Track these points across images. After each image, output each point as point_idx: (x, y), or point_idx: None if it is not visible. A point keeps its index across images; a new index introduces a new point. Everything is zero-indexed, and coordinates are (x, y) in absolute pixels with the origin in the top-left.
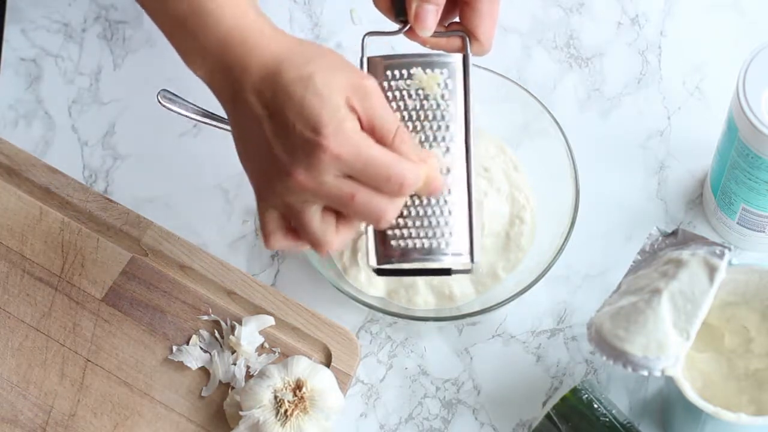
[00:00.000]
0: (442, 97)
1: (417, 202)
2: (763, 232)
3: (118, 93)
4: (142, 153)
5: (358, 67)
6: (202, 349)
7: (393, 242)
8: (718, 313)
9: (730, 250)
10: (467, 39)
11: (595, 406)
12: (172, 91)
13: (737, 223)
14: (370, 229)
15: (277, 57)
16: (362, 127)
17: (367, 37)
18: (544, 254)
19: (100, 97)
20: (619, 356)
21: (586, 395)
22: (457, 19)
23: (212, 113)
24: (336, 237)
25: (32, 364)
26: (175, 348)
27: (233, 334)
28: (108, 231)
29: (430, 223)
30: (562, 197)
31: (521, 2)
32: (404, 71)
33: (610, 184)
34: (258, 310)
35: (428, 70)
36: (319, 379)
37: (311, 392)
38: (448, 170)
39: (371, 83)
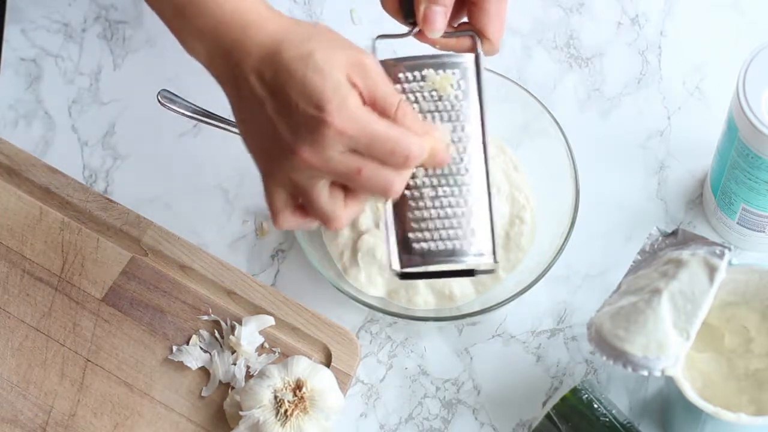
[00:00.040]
0: (456, 97)
1: (437, 204)
2: (763, 232)
3: (118, 93)
4: (142, 153)
5: None
6: (202, 349)
7: (415, 245)
8: (718, 313)
9: (730, 250)
10: (477, 38)
11: (595, 406)
12: (172, 91)
13: (737, 223)
14: (392, 233)
15: (275, 37)
16: (364, 103)
17: (377, 40)
18: (544, 254)
19: (100, 97)
20: (619, 356)
21: (586, 395)
22: (465, 20)
23: (212, 113)
24: (344, 211)
25: (32, 364)
26: (175, 348)
27: (233, 334)
28: (108, 231)
29: (451, 224)
30: (562, 197)
31: (521, 2)
32: (416, 73)
33: (610, 184)
34: (258, 310)
35: (440, 71)
36: (319, 379)
37: (311, 392)
38: (461, 145)
39: (371, 59)
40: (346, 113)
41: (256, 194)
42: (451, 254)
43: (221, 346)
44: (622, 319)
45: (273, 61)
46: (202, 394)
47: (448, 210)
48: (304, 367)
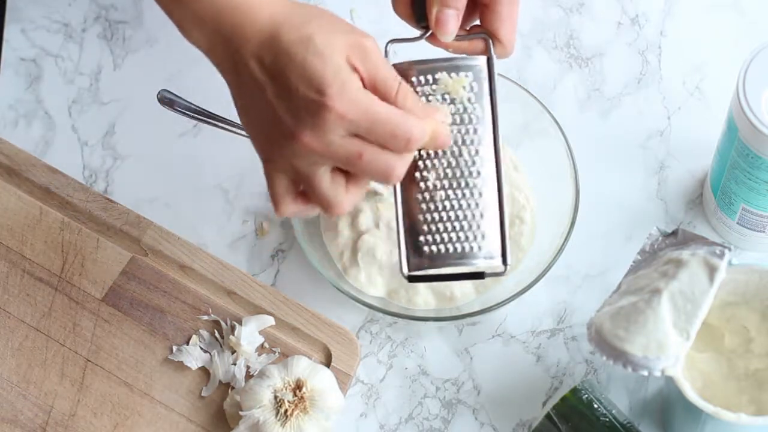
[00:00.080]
0: (469, 100)
1: (448, 206)
2: (763, 232)
3: (118, 93)
4: (142, 153)
5: None
6: (202, 349)
7: (425, 248)
8: (718, 313)
9: (730, 250)
10: (490, 41)
11: (595, 406)
12: (172, 91)
13: (737, 223)
14: (402, 236)
15: (274, 20)
16: (364, 86)
17: (390, 44)
18: (544, 254)
19: (100, 97)
20: (619, 356)
21: (586, 395)
22: (477, 22)
23: (212, 113)
24: (346, 197)
25: (32, 364)
26: (175, 348)
27: (233, 334)
28: (108, 231)
29: (462, 226)
30: (562, 197)
31: (521, 2)
32: (429, 76)
33: (610, 184)
34: (258, 310)
35: (453, 74)
36: (319, 379)
37: (311, 392)
38: (473, 148)
39: (370, 42)
40: (347, 97)
41: (256, 194)
42: (460, 257)
43: (221, 346)
44: (622, 319)
45: (272, 45)
46: (202, 394)
47: (459, 212)
48: (304, 367)
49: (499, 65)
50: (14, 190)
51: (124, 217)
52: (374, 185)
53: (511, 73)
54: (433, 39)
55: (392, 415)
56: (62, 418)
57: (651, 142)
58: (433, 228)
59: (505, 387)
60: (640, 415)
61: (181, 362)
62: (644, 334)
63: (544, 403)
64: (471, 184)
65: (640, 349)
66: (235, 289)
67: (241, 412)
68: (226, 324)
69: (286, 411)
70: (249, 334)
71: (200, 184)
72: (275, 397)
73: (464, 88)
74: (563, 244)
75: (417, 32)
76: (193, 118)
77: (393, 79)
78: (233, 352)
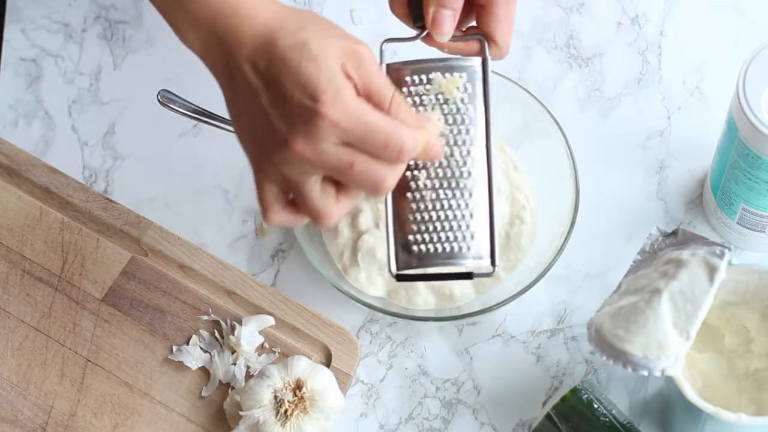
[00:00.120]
0: (462, 101)
1: (438, 206)
2: (763, 232)
3: (118, 93)
4: (142, 153)
5: None
6: (202, 349)
7: (414, 247)
8: (718, 313)
9: (730, 250)
10: (485, 42)
11: (595, 406)
12: (172, 91)
13: (737, 223)
14: (391, 235)
15: (269, 25)
16: (358, 94)
17: (385, 44)
18: (544, 254)
19: (100, 97)
20: (619, 356)
21: (586, 395)
22: (473, 23)
23: (212, 113)
24: (336, 207)
25: (32, 364)
26: (175, 348)
27: (233, 334)
28: (108, 231)
29: (451, 226)
30: (562, 197)
31: (521, 3)
32: (423, 76)
33: (610, 184)
34: (258, 310)
35: (447, 75)
36: (319, 379)
37: (311, 392)
38: (465, 148)
39: (365, 49)
40: (341, 105)
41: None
42: (449, 257)
43: (221, 346)
44: (622, 319)
45: (267, 51)
46: (202, 394)
47: (448, 212)
48: (304, 367)
49: (499, 65)
50: (14, 190)
51: (124, 217)
52: None
53: (511, 73)
54: (428, 39)
55: (392, 415)
56: (62, 418)
57: (651, 142)
58: (423, 227)
59: (505, 387)
60: (640, 415)
61: (181, 362)
62: (644, 334)
63: (544, 403)
64: (461, 185)
65: (640, 349)
66: (235, 289)
67: (241, 412)
68: (226, 324)
69: (286, 411)
70: (249, 334)
71: (200, 184)
72: (275, 397)
73: (458, 88)
74: (563, 244)
75: (413, 32)
76: (193, 118)
77: (387, 88)
78: (233, 352)
